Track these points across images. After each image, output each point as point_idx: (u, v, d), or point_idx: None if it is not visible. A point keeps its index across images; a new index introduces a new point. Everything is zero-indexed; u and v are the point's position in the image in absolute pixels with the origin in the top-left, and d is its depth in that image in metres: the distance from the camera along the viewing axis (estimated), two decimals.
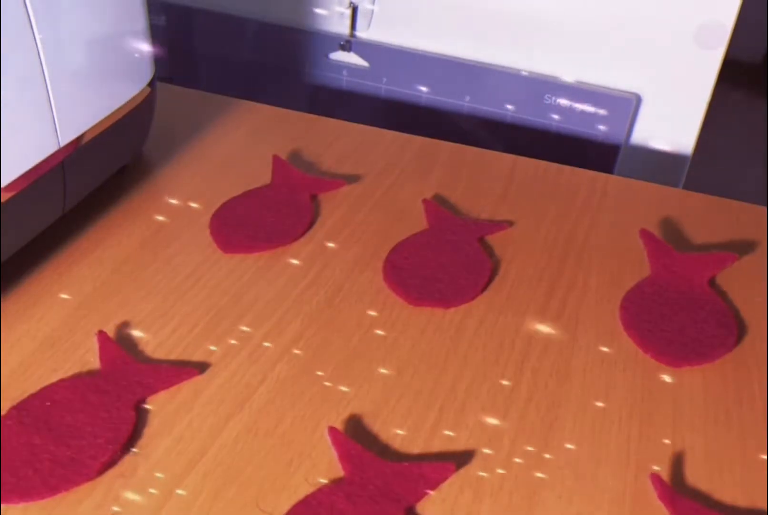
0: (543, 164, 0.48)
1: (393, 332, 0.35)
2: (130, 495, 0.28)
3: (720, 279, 0.39)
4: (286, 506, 0.28)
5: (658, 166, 0.58)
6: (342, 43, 0.59)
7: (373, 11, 0.58)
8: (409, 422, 0.31)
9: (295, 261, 0.39)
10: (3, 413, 0.30)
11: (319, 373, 0.33)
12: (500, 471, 0.30)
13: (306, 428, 0.31)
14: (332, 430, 0.30)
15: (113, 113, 0.38)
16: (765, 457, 0.31)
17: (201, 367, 0.33)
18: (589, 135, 0.57)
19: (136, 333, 0.34)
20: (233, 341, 0.34)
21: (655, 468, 0.30)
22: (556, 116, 0.57)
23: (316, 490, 0.28)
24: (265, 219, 0.40)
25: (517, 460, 0.30)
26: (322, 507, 0.27)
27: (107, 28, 0.37)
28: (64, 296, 0.36)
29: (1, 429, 0.29)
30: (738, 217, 0.44)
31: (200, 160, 0.45)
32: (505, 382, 0.33)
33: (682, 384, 0.34)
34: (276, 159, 0.45)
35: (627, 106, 0.55)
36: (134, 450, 0.29)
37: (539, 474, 0.30)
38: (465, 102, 0.58)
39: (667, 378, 0.34)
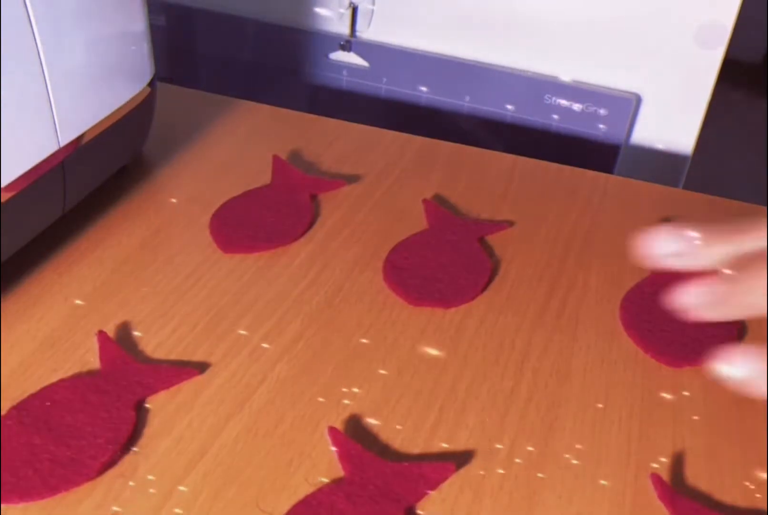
0: (543, 164, 0.48)
1: (393, 332, 0.35)
2: (130, 495, 0.28)
3: None
4: (286, 506, 0.28)
5: (658, 166, 0.58)
6: (342, 43, 0.59)
7: (373, 11, 0.58)
8: (409, 422, 0.31)
9: (295, 261, 0.39)
10: (3, 413, 0.30)
11: (319, 373, 0.33)
12: (500, 471, 0.30)
13: (306, 428, 0.31)
14: (332, 430, 0.30)
15: (113, 113, 0.38)
16: (765, 457, 0.31)
17: (201, 367, 0.33)
18: (589, 135, 0.57)
19: (136, 333, 0.34)
20: (233, 341, 0.34)
21: (655, 465, 0.30)
22: (556, 116, 0.57)
23: (316, 490, 0.28)
24: (265, 219, 0.40)
25: (517, 460, 0.30)
26: (322, 507, 0.27)
27: (107, 28, 0.37)
28: (63, 296, 0.36)
29: (1, 429, 0.29)
30: (738, 217, 0.44)
31: (200, 160, 0.45)
32: (505, 382, 0.33)
33: (682, 384, 0.34)
34: (276, 159, 0.45)
35: (627, 106, 0.55)
36: (134, 450, 0.29)
37: (539, 474, 0.30)
38: (465, 102, 0.58)
39: (667, 378, 0.34)
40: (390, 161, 0.46)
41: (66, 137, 0.35)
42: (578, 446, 0.31)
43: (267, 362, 0.33)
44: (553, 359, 0.34)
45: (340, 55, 0.59)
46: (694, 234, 0.28)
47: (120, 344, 0.33)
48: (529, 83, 0.56)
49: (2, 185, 0.32)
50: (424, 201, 0.43)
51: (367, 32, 0.59)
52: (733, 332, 0.36)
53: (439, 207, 0.42)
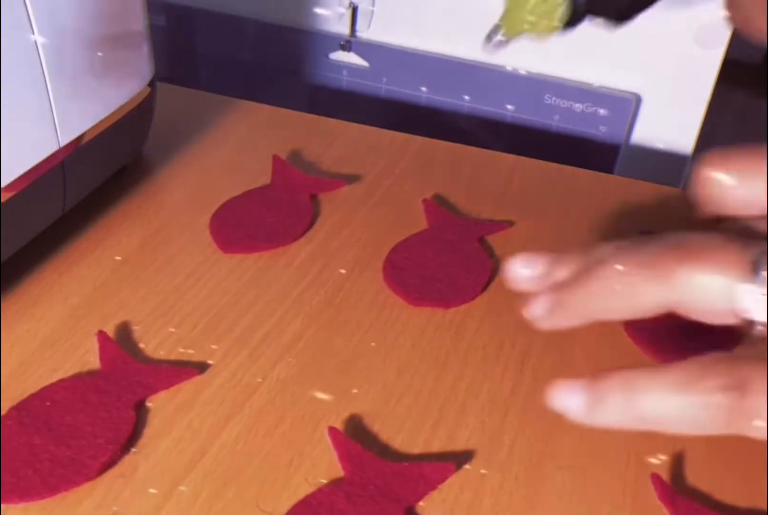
0: (543, 164, 0.48)
1: (393, 332, 0.35)
2: (130, 495, 0.28)
3: None
4: (286, 506, 0.28)
5: (658, 166, 0.58)
6: (342, 43, 0.59)
7: (373, 11, 0.58)
8: (409, 422, 0.31)
9: (295, 261, 0.39)
10: (3, 413, 0.30)
11: (319, 373, 0.33)
12: (500, 471, 0.30)
13: (306, 428, 0.31)
14: (332, 430, 0.30)
15: (113, 113, 0.38)
16: (765, 457, 0.31)
17: (201, 367, 0.33)
18: (589, 135, 0.57)
19: (136, 333, 0.34)
20: (233, 341, 0.34)
21: (655, 462, 0.30)
22: (556, 116, 0.57)
23: (316, 490, 0.28)
24: (265, 219, 0.40)
25: (517, 460, 0.30)
26: (322, 507, 0.27)
27: (107, 28, 0.37)
28: (64, 296, 0.36)
29: (1, 429, 0.29)
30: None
31: (200, 160, 0.45)
32: (505, 382, 0.33)
33: None
34: (276, 159, 0.45)
35: (627, 106, 0.55)
36: (134, 450, 0.29)
37: (539, 474, 0.30)
38: (465, 102, 0.58)
39: None
40: (390, 161, 0.46)
41: (66, 137, 0.35)
42: (578, 446, 0.31)
43: (267, 362, 0.33)
44: (553, 359, 0.34)
45: (340, 55, 0.59)
46: (544, 260, 0.29)
47: (120, 344, 0.33)
48: (529, 83, 0.56)
49: (2, 185, 0.32)
50: (424, 201, 0.43)
51: (367, 32, 0.59)
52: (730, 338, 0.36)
53: (439, 207, 0.42)
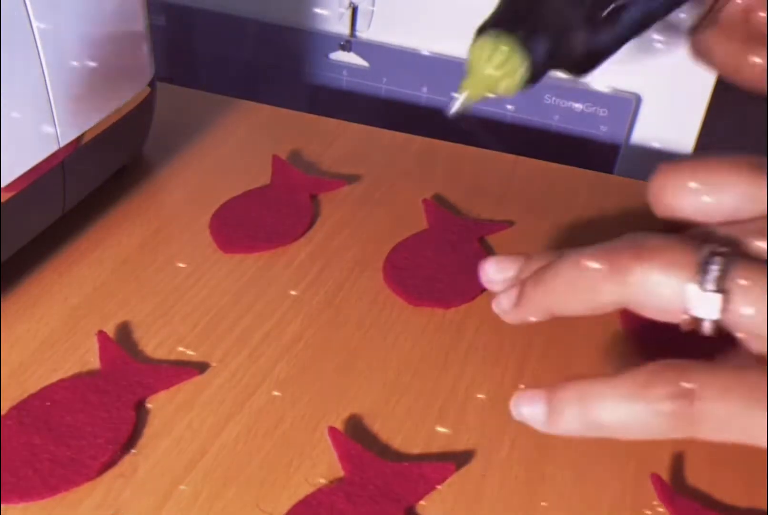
0: (543, 164, 0.48)
1: (393, 332, 0.35)
2: (130, 495, 0.28)
3: None
4: (286, 506, 0.28)
5: (658, 166, 0.58)
6: (342, 43, 0.59)
7: (373, 11, 0.58)
8: (409, 422, 0.31)
9: (295, 261, 0.39)
10: (3, 413, 0.30)
11: (319, 373, 0.33)
12: (500, 471, 0.30)
13: (306, 428, 0.31)
14: (332, 430, 0.30)
15: (113, 113, 0.38)
16: (765, 457, 0.31)
17: (201, 367, 0.33)
18: (589, 135, 0.57)
19: (136, 333, 0.34)
20: (233, 341, 0.34)
21: (655, 464, 0.30)
22: (556, 116, 0.57)
23: (316, 490, 0.28)
24: (265, 219, 0.40)
25: (517, 460, 0.30)
26: (322, 507, 0.27)
27: (107, 28, 0.37)
28: (64, 296, 0.36)
29: (1, 429, 0.29)
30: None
31: (200, 160, 0.45)
32: (505, 382, 0.33)
33: None
34: (276, 159, 0.45)
35: (627, 106, 0.55)
36: (134, 450, 0.29)
37: (539, 474, 0.30)
38: None
39: None
40: (390, 161, 0.46)
41: (66, 137, 0.35)
42: (578, 446, 0.31)
43: (267, 362, 0.33)
44: (553, 359, 0.34)
45: (340, 55, 0.59)
46: (515, 262, 0.30)
47: (120, 344, 0.33)
48: None
49: (2, 185, 0.32)
50: (424, 201, 0.43)
51: (367, 32, 0.59)
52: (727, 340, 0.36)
53: (439, 207, 0.42)
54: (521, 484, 0.29)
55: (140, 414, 0.30)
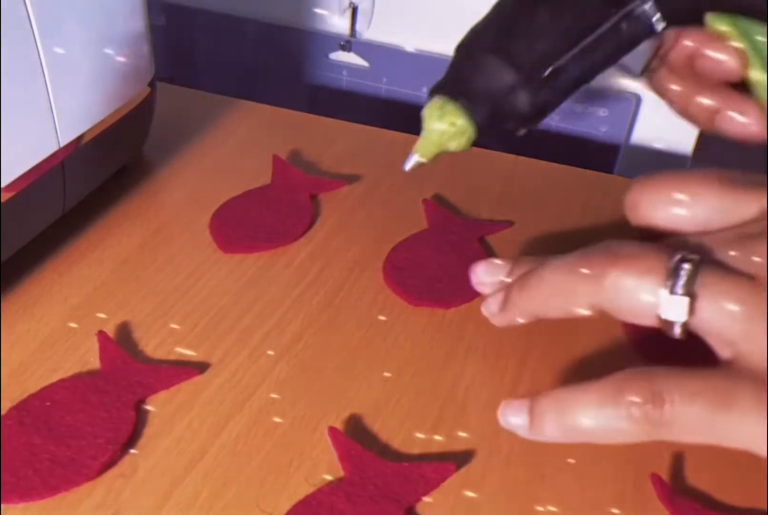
0: (543, 164, 0.48)
1: (393, 332, 0.35)
2: (130, 495, 0.28)
3: None
4: (286, 506, 0.28)
5: (658, 166, 0.58)
6: (342, 43, 0.59)
7: (373, 11, 0.58)
8: (409, 422, 0.31)
9: (295, 261, 0.39)
10: (3, 413, 0.30)
11: (319, 373, 0.33)
12: (500, 471, 0.30)
13: (306, 428, 0.31)
14: (332, 430, 0.30)
15: (113, 113, 0.38)
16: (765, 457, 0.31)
17: (201, 367, 0.33)
18: (589, 135, 0.57)
19: (136, 333, 0.34)
20: (233, 341, 0.34)
21: (656, 457, 0.30)
22: (556, 116, 0.57)
23: (316, 490, 0.28)
24: (265, 219, 0.40)
25: (517, 460, 0.30)
26: (322, 507, 0.27)
27: (107, 28, 0.37)
28: (64, 296, 0.36)
29: (1, 429, 0.29)
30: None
31: (200, 160, 0.45)
32: (505, 382, 0.33)
33: None
34: (276, 159, 0.45)
35: (627, 106, 0.55)
36: (134, 450, 0.29)
37: (539, 475, 0.30)
38: None
39: None
40: (390, 161, 0.46)
41: (66, 137, 0.35)
42: (578, 446, 0.31)
43: (267, 362, 0.33)
44: (553, 359, 0.34)
45: (340, 55, 0.59)
46: (505, 264, 0.32)
47: (120, 344, 0.33)
48: None
49: (2, 185, 0.32)
50: (424, 201, 0.43)
51: (367, 32, 0.59)
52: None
53: (439, 207, 0.42)
54: (521, 484, 0.29)
55: (140, 414, 0.30)
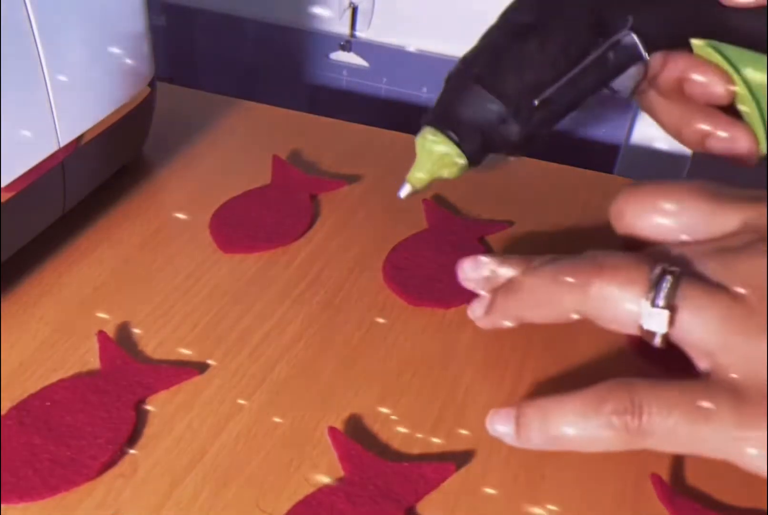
0: (543, 164, 0.48)
1: (393, 332, 0.35)
2: (130, 495, 0.28)
3: None
4: (286, 506, 0.28)
5: (658, 166, 0.58)
6: (342, 43, 0.59)
7: (373, 11, 0.58)
8: (409, 422, 0.31)
9: (295, 261, 0.39)
10: (3, 413, 0.30)
11: (319, 373, 0.33)
12: (500, 471, 0.30)
13: (306, 428, 0.31)
14: (332, 430, 0.30)
15: (113, 113, 0.38)
16: None
17: (201, 367, 0.33)
18: (589, 135, 0.57)
19: (136, 333, 0.34)
20: (233, 341, 0.34)
21: (656, 457, 0.30)
22: None
23: (316, 490, 0.28)
24: (265, 219, 0.40)
25: (517, 460, 0.30)
26: (322, 507, 0.27)
27: (107, 28, 0.37)
28: (64, 296, 0.36)
29: (1, 429, 0.29)
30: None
31: (200, 160, 0.45)
32: (505, 382, 0.33)
33: None
34: (276, 159, 0.45)
35: (627, 106, 0.55)
36: (134, 450, 0.29)
37: (539, 475, 0.30)
38: None
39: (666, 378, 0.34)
40: (390, 161, 0.46)
41: (66, 137, 0.35)
42: None
43: (267, 362, 0.33)
44: (553, 359, 0.34)
45: (340, 55, 0.59)
46: (490, 262, 0.33)
47: (120, 344, 0.33)
48: None
49: (2, 185, 0.32)
50: (424, 201, 0.43)
51: (367, 32, 0.59)
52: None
53: (439, 207, 0.42)
54: (521, 484, 0.29)
55: (140, 414, 0.30)
